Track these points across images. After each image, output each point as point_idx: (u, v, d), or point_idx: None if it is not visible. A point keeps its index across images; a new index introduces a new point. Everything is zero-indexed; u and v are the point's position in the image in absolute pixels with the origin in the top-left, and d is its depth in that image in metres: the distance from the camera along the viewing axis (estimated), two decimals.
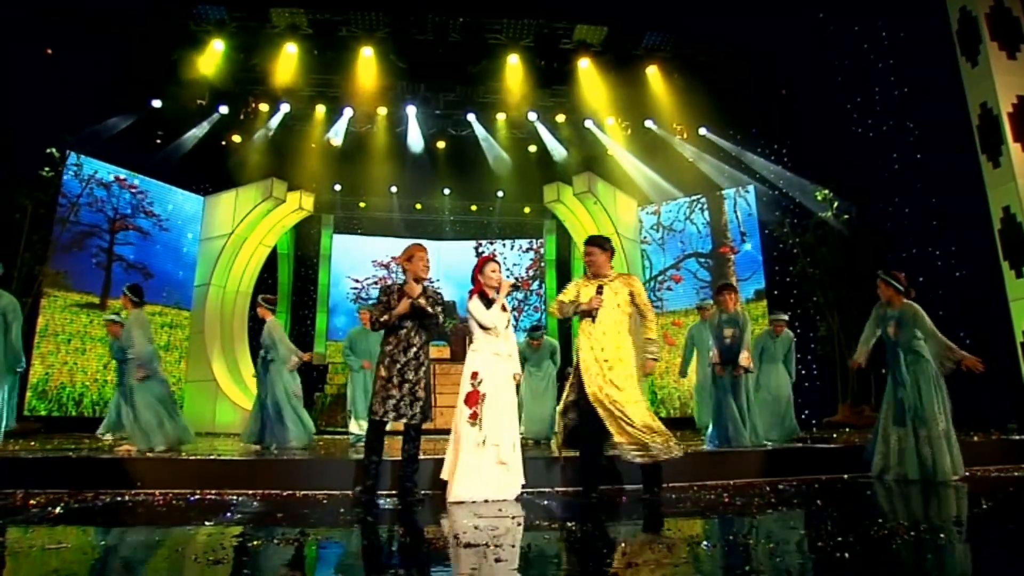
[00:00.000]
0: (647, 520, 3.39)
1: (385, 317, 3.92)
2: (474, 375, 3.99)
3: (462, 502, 3.74)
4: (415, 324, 3.99)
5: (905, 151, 8.80)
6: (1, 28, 8.48)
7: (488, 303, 4.08)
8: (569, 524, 3.02)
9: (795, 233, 10.35)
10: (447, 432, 4.17)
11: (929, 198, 8.46)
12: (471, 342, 4.15)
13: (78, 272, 9.88)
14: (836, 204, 9.90)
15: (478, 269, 4.19)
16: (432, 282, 16.37)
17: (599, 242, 4.26)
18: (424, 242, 16.85)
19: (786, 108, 10.71)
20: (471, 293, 4.17)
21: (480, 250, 15.43)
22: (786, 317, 7.22)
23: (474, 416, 3.91)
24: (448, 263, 15.17)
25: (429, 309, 3.96)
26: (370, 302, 7.66)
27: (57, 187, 9.50)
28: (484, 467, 3.85)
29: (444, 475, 3.97)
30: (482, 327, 4.06)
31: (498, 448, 3.88)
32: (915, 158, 8.65)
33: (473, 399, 3.95)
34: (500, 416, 3.94)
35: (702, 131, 12.01)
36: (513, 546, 2.53)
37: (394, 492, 3.93)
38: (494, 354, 4.04)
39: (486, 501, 3.77)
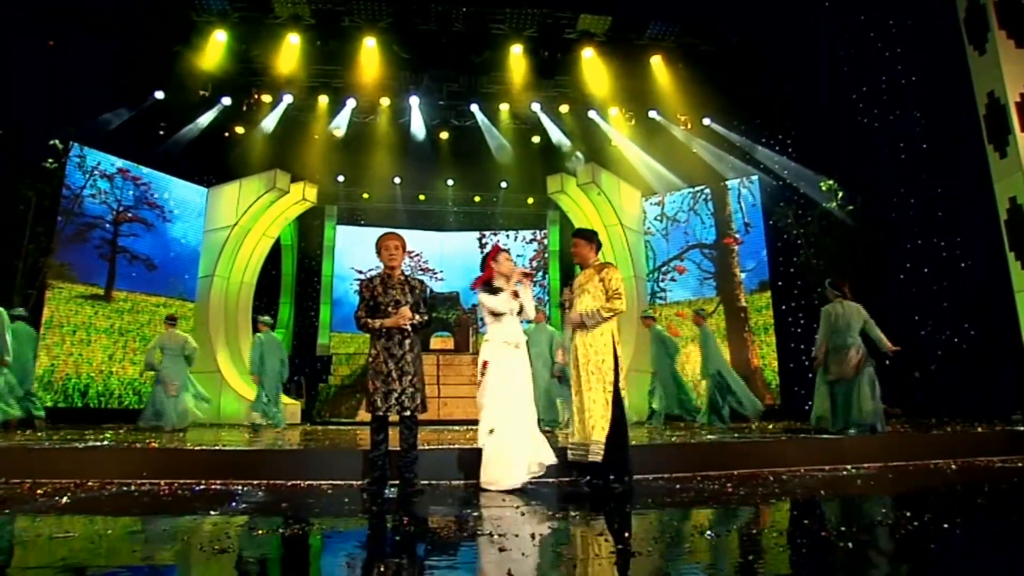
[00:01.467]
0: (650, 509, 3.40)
1: (377, 326, 3.85)
2: (484, 364, 4.01)
3: (490, 490, 3.77)
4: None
5: (911, 141, 8.74)
6: (4, 21, 8.47)
7: (494, 291, 4.08)
8: (572, 514, 3.04)
9: (799, 224, 10.31)
10: (451, 423, 4.17)
11: (934, 188, 8.40)
12: (476, 332, 4.16)
13: (82, 264, 9.91)
14: (841, 195, 9.84)
15: (491, 257, 4.18)
16: (434, 274, 16.14)
17: (580, 233, 4.33)
18: (428, 233, 16.62)
19: (791, 98, 10.63)
20: (477, 281, 4.17)
21: (484, 241, 15.42)
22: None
23: (482, 406, 3.97)
24: (451, 254, 15.18)
25: (419, 320, 3.94)
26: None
27: (61, 179, 9.52)
28: (509, 454, 3.83)
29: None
30: (493, 314, 4.05)
31: (517, 437, 3.88)
32: (921, 148, 8.59)
33: (482, 389, 4.00)
34: (509, 405, 3.92)
35: (706, 121, 11.95)
36: (517, 535, 2.54)
37: (395, 483, 3.94)
38: (504, 343, 4.03)
39: (519, 486, 3.78)
